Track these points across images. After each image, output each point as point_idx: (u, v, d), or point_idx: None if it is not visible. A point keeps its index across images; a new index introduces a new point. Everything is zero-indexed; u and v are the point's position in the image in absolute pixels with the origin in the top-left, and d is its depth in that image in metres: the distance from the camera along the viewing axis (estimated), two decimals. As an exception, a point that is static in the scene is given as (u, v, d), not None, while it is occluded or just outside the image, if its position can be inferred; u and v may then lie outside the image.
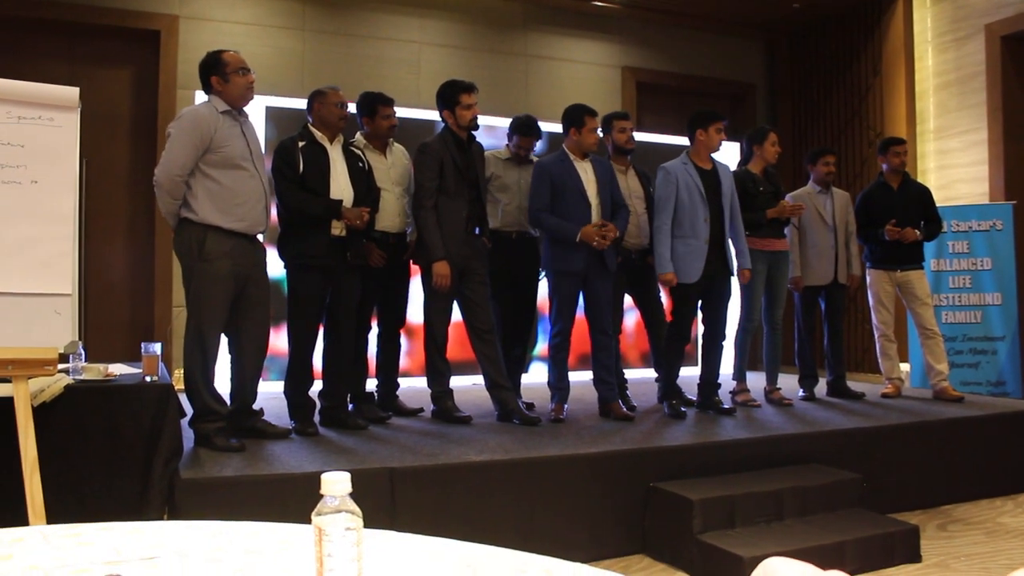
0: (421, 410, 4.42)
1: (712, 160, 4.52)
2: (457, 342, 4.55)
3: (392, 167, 4.30)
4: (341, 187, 3.81)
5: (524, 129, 4.65)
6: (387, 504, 3.05)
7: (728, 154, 5.11)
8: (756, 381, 5.05)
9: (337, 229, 3.76)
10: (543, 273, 4.62)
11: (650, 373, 5.21)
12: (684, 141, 4.64)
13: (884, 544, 3.24)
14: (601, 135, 4.52)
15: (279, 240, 3.89)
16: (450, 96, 4.18)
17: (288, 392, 3.90)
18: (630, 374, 5.17)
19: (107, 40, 5.84)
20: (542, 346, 6.18)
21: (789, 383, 5.22)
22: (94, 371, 3.17)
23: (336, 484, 0.92)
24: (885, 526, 3.35)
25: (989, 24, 6.20)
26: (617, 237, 4.23)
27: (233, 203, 3.42)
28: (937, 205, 5.36)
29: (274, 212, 3.94)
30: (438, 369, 4.22)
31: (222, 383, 3.57)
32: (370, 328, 4.39)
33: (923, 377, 5.48)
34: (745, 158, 5.01)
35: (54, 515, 2.21)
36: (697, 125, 4.48)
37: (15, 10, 5.47)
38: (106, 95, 5.80)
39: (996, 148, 6.16)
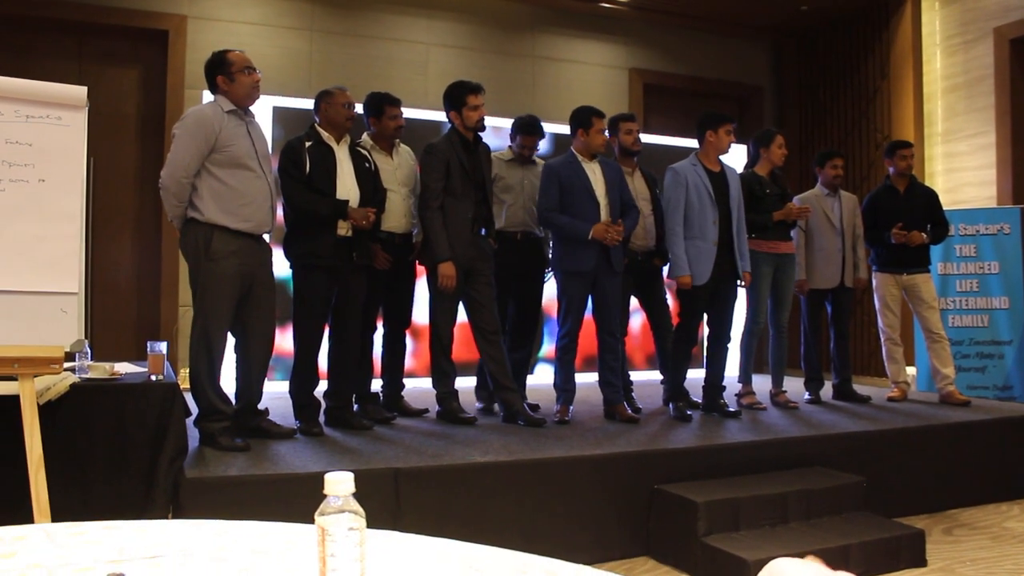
0: (426, 411, 4.42)
1: (720, 162, 4.51)
2: (462, 343, 4.55)
3: (398, 168, 4.30)
4: (347, 187, 3.81)
5: (528, 128, 4.64)
6: (391, 505, 3.05)
7: (735, 156, 5.10)
8: (762, 384, 5.04)
9: (343, 229, 3.76)
10: (549, 274, 4.62)
11: (655, 375, 5.20)
12: (691, 143, 4.64)
13: (889, 548, 3.23)
14: (607, 137, 4.51)
15: (285, 240, 3.89)
16: (457, 97, 4.18)
17: (293, 392, 3.91)
18: (635, 376, 5.17)
19: (115, 40, 5.86)
20: (547, 348, 6.17)
21: (795, 386, 5.21)
22: (100, 370, 3.18)
23: (339, 484, 0.92)
24: (890, 530, 3.34)
25: (998, 27, 6.18)
26: (624, 238, 4.22)
27: (239, 203, 3.42)
28: (944, 208, 5.34)
29: (280, 212, 3.95)
30: (443, 370, 4.22)
31: (228, 382, 3.58)
32: (375, 328, 4.39)
33: (929, 381, 5.46)
34: (752, 160, 5.00)
35: (59, 513, 2.21)
36: (707, 126, 4.47)
37: (24, 9, 5.50)
38: (114, 94, 5.82)
39: (1004, 152, 6.14)
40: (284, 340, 4.68)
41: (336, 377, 3.98)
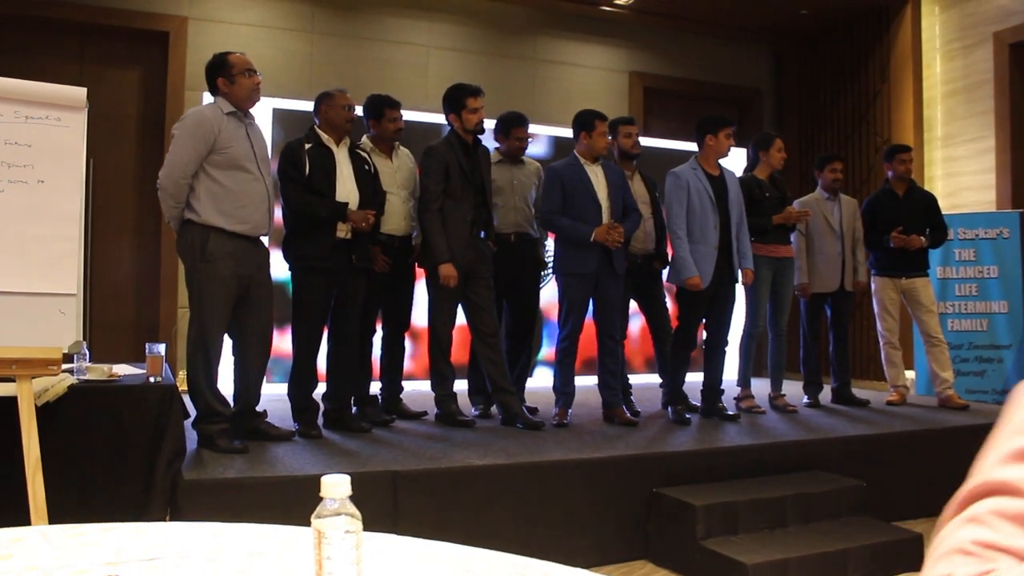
0: (425, 413, 4.42)
1: (719, 166, 4.51)
2: (461, 346, 4.55)
3: (398, 170, 4.30)
4: (347, 190, 3.81)
5: (518, 121, 4.55)
6: (389, 507, 3.05)
7: (735, 160, 5.10)
8: (761, 387, 5.04)
9: (343, 232, 3.76)
10: (549, 276, 4.60)
11: (654, 378, 5.20)
12: (691, 146, 4.63)
13: (888, 552, 3.23)
14: (609, 140, 4.51)
15: (284, 242, 3.89)
16: (456, 100, 4.19)
17: (292, 394, 3.90)
18: (634, 379, 5.16)
19: (116, 41, 5.86)
20: (546, 350, 6.17)
21: (794, 390, 5.21)
22: (98, 371, 3.18)
23: (336, 487, 0.91)
24: (889, 534, 3.34)
25: (997, 32, 6.19)
26: (624, 240, 4.22)
27: (236, 205, 3.42)
28: (944, 213, 5.35)
29: (279, 214, 3.95)
30: (442, 372, 4.22)
31: (226, 385, 3.58)
32: (374, 331, 4.39)
33: (928, 385, 5.46)
34: (751, 164, 5.00)
35: (56, 515, 2.21)
36: (707, 130, 4.46)
37: (24, 10, 5.50)
38: (114, 96, 5.82)
39: (1003, 156, 6.14)
40: (283, 342, 4.68)
41: (335, 380, 3.98)
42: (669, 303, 4.96)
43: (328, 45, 6.24)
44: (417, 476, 3.13)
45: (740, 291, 4.61)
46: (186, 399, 3.33)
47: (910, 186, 5.26)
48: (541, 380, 5.83)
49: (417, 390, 5.06)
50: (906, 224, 5.07)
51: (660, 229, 4.71)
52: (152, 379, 3.16)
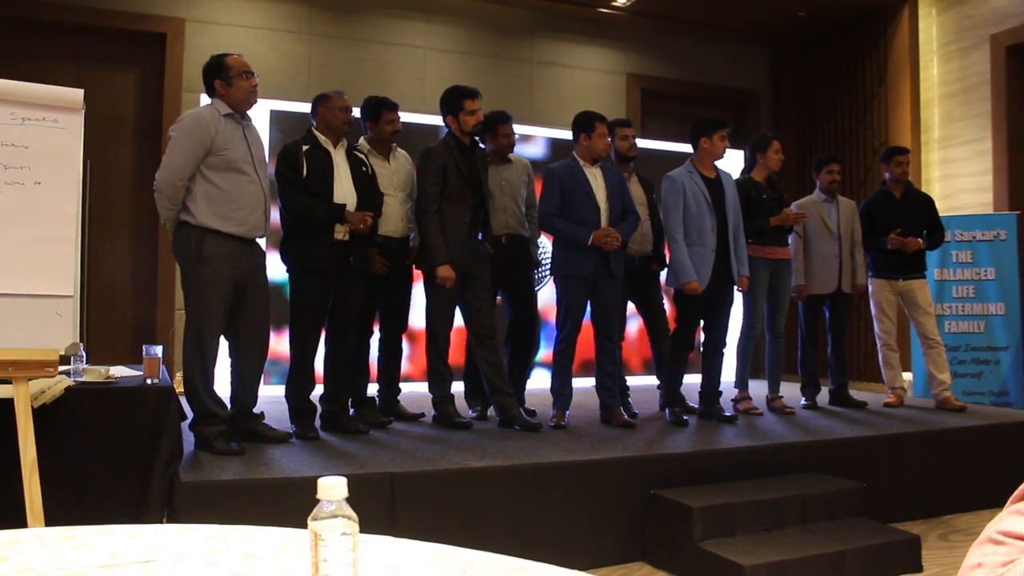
0: (422, 415, 4.41)
1: (715, 168, 4.51)
2: (459, 347, 4.54)
3: (395, 172, 4.30)
4: (344, 191, 3.81)
5: (501, 118, 4.50)
6: (387, 509, 3.05)
7: (732, 162, 5.10)
8: (758, 389, 5.04)
9: (340, 233, 3.76)
10: (548, 278, 4.60)
11: (652, 380, 5.20)
12: (689, 148, 4.63)
13: (885, 553, 3.23)
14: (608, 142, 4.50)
15: (282, 244, 3.89)
16: (454, 102, 4.19)
17: (289, 396, 3.90)
18: (632, 381, 5.16)
19: (113, 43, 5.86)
20: (543, 352, 6.17)
21: (791, 391, 5.21)
22: (95, 373, 3.17)
23: (332, 489, 0.91)
24: (886, 535, 3.34)
25: (994, 34, 6.20)
26: (622, 242, 4.23)
27: (232, 207, 3.41)
28: (941, 215, 5.35)
29: (276, 215, 3.94)
30: (440, 374, 4.22)
31: (223, 387, 3.57)
32: (372, 332, 4.38)
33: (925, 386, 5.47)
34: (748, 166, 5.00)
35: (52, 517, 2.21)
36: (701, 133, 4.46)
37: (21, 12, 5.49)
38: (111, 97, 5.82)
39: (1000, 158, 6.15)
40: (280, 344, 4.67)
41: (332, 381, 3.97)
42: (667, 305, 4.96)
43: (325, 47, 6.24)
44: (414, 478, 3.13)
45: (738, 293, 4.61)
46: (183, 401, 3.32)
47: (907, 188, 5.26)
48: (539, 382, 5.83)
49: (415, 392, 5.06)
50: (903, 226, 5.08)
51: (657, 231, 4.72)
52: (149, 381, 3.15)
